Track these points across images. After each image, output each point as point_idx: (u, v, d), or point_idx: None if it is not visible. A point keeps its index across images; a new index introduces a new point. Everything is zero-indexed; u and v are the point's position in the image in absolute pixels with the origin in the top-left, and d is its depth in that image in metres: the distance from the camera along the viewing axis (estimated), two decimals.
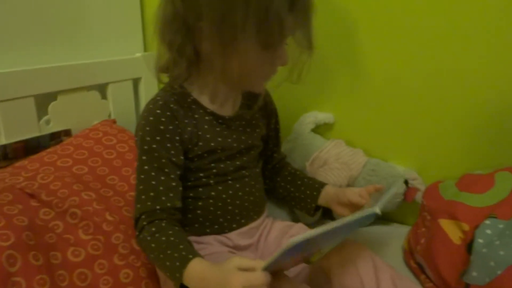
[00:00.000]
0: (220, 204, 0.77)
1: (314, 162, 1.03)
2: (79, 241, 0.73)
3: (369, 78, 1.03)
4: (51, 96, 0.99)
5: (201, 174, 0.76)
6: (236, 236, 0.79)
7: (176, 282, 0.62)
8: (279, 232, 0.82)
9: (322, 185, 0.86)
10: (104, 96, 1.12)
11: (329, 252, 0.72)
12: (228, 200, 0.77)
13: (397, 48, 0.98)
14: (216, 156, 0.76)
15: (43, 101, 0.98)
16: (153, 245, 0.66)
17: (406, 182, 1.00)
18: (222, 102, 0.77)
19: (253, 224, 0.81)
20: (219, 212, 0.77)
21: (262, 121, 0.85)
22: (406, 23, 0.95)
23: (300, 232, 0.81)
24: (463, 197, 0.81)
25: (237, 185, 0.78)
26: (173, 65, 0.70)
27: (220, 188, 0.77)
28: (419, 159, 1.04)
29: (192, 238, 0.76)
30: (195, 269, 0.61)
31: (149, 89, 1.21)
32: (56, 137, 1.01)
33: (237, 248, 0.79)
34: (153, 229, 0.67)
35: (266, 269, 0.56)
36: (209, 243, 0.76)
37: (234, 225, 0.79)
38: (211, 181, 0.76)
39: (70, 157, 0.90)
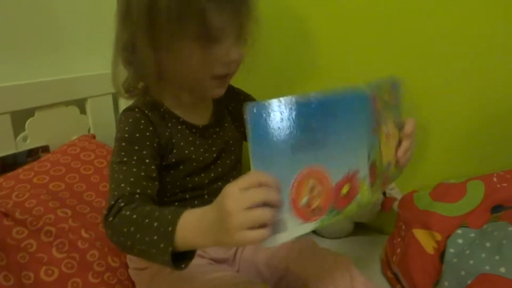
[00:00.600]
0: None
1: None
2: (53, 259, 0.73)
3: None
4: (29, 112, 0.99)
5: (177, 190, 0.75)
6: (211, 249, 0.78)
7: (166, 242, 0.52)
8: (254, 246, 0.82)
9: None
10: (83, 111, 1.12)
11: (307, 262, 0.72)
12: None
13: (379, 61, 0.99)
14: (190, 168, 0.75)
15: (20, 117, 0.97)
16: (134, 216, 0.56)
17: (383, 192, 1.01)
18: (192, 110, 0.76)
19: None
20: None
21: (234, 124, 0.84)
22: (391, 34, 0.96)
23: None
24: (436, 206, 0.82)
25: (212, 199, 0.77)
26: (132, 81, 0.73)
27: (196, 202, 0.76)
28: None
29: None
30: (192, 212, 0.53)
31: (129, 103, 1.20)
32: (33, 154, 1.00)
33: (214, 260, 0.79)
34: (134, 205, 0.58)
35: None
36: None
37: None
38: (187, 196, 0.76)
39: (47, 174, 0.90)
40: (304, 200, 0.49)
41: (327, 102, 0.50)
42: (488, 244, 0.70)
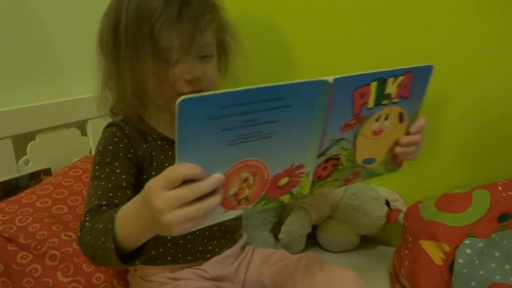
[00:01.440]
0: (188, 236, 0.74)
1: None
2: (58, 284, 0.72)
3: None
4: (30, 136, 0.99)
5: None
6: (211, 267, 0.77)
7: (109, 239, 0.52)
8: (260, 261, 0.81)
9: None
10: (84, 133, 1.12)
11: (314, 278, 0.71)
12: (197, 232, 0.75)
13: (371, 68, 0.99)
14: None
15: (22, 141, 0.97)
16: (90, 225, 0.58)
17: (388, 204, 1.01)
18: (171, 126, 0.74)
19: (227, 252, 0.80)
20: (189, 245, 0.75)
21: None
22: (381, 44, 0.97)
23: (283, 258, 0.80)
24: (442, 217, 0.82)
25: None
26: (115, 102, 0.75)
27: None
28: (401, 181, 1.05)
29: (168, 275, 0.75)
30: (125, 212, 0.53)
31: None
32: (36, 177, 1.00)
33: (217, 279, 0.78)
34: (97, 217, 0.59)
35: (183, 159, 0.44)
36: (187, 278, 0.75)
37: (207, 255, 0.77)
38: None
39: (49, 197, 0.89)
40: (231, 191, 0.49)
41: (275, 94, 0.45)
42: (497, 254, 0.69)
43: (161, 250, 0.75)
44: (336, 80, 0.48)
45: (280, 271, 0.77)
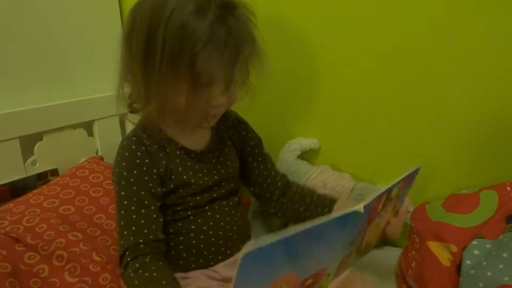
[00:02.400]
0: (202, 237, 0.76)
1: None
2: (65, 284, 0.72)
3: (353, 101, 1.04)
4: (37, 136, 1.00)
5: (178, 208, 0.76)
6: (222, 268, 0.78)
7: None
8: None
9: (333, 200, 0.85)
10: (90, 133, 1.13)
11: None
12: (210, 232, 0.77)
13: (381, 71, 0.99)
14: (190, 190, 0.76)
15: (29, 142, 0.98)
16: (136, 282, 0.66)
17: None
18: (189, 136, 0.77)
19: (239, 254, 0.80)
20: (202, 246, 0.76)
21: (234, 150, 0.85)
22: (389, 46, 0.97)
23: None
24: (449, 218, 0.81)
25: (217, 216, 0.78)
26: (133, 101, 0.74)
27: (199, 220, 0.77)
28: None
29: (178, 275, 0.75)
30: None
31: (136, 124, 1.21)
32: (43, 177, 1.01)
33: (226, 281, 0.78)
34: (137, 265, 0.67)
35: None
36: (196, 277, 0.76)
37: (219, 257, 0.78)
38: (189, 214, 0.76)
39: (56, 198, 0.90)
40: None
41: (315, 230, 0.51)
42: (505, 255, 0.68)
43: (173, 253, 0.76)
44: (364, 207, 0.55)
45: None
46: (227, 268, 0.78)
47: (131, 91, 0.74)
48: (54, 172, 1.02)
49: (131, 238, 0.69)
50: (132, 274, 0.66)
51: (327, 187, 1.01)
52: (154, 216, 0.71)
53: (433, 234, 0.81)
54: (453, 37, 0.90)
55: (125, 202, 0.71)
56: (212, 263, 0.78)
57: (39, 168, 1.00)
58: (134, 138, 0.74)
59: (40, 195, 0.90)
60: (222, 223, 0.78)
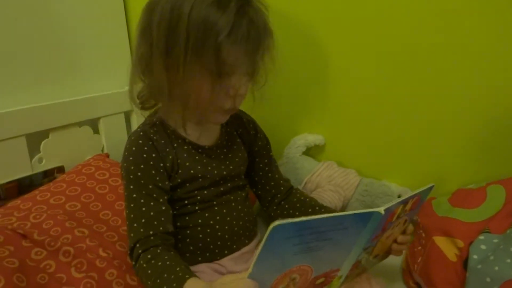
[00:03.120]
0: (208, 231, 0.77)
1: (307, 186, 1.03)
2: (72, 279, 0.72)
3: (358, 97, 1.04)
4: (43, 134, 1.00)
5: (186, 202, 0.76)
6: (228, 262, 0.78)
7: None
8: None
9: (335, 212, 0.86)
10: (96, 131, 1.13)
11: None
12: (217, 226, 0.77)
13: (385, 67, 0.99)
14: (198, 184, 0.76)
15: (35, 140, 0.99)
16: (149, 271, 0.66)
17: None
18: (198, 131, 0.78)
19: (245, 249, 0.81)
20: (208, 239, 0.77)
21: (243, 148, 0.85)
22: (395, 42, 0.96)
23: None
24: (456, 213, 0.81)
25: (224, 211, 0.78)
26: (145, 98, 0.75)
27: (206, 215, 0.77)
28: (413, 176, 1.04)
29: None
30: (194, 285, 0.62)
31: (141, 121, 1.21)
32: (49, 174, 1.01)
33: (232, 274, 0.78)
34: (149, 256, 0.68)
35: (253, 275, 0.53)
36: (203, 271, 0.76)
37: (225, 251, 0.78)
38: (197, 208, 0.77)
39: (63, 194, 0.90)
40: (280, 287, 0.58)
41: (339, 220, 0.55)
42: None
43: (180, 246, 0.76)
44: (385, 210, 0.57)
45: None
46: (233, 262, 0.79)
47: (147, 86, 0.74)
48: (60, 169, 1.03)
49: (141, 230, 0.70)
50: (144, 265, 0.67)
51: (332, 183, 1.01)
52: (163, 208, 0.72)
53: (440, 229, 0.80)
54: (460, 34, 0.89)
55: (134, 196, 0.71)
56: (218, 257, 0.78)
57: (45, 166, 1.00)
58: (141, 133, 0.75)
59: (47, 192, 0.90)
60: (228, 218, 0.78)
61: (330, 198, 0.98)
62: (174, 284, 0.63)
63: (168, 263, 0.66)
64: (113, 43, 1.20)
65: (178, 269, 0.65)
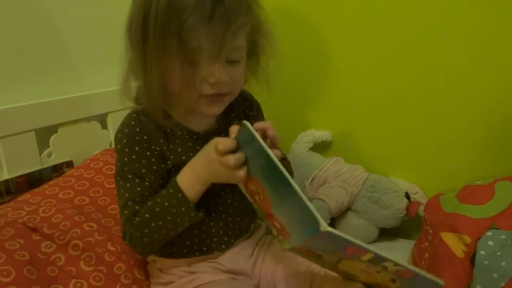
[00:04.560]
0: (203, 228, 0.74)
1: (314, 181, 1.03)
2: (81, 273, 0.73)
3: (366, 93, 1.04)
4: (52, 129, 1.01)
5: None
6: (227, 260, 0.77)
7: (186, 205, 0.65)
8: (273, 258, 0.80)
9: None
10: (104, 126, 1.14)
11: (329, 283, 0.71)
12: (211, 223, 0.75)
13: (394, 62, 0.99)
14: None
15: (44, 134, 0.99)
16: (146, 215, 0.67)
17: (407, 196, 0.99)
18: (193, 117, 0.74)
19: (244, 244, 0.80)
20: (204, 236, 0.75)
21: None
22: (402, 37, 0.96)
23: (297, 263, 0.79)
24: (463, 209, 0.81)
25: (220, 208, 0.76)
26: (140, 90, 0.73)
27: (200, 214, 0.73)
28: (421, 173, 1.04)
29: (185, 268, 0.75)
30: (183, 173, 0.66)
31: None
32: (58, 169, 1.02)
33: (232, 272, 0.77)
34: (139, 212, 0.68)
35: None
36: (204, 271, 0.75)
37: (223, 246, 0.77)
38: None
39: (71, 189, 0.91)
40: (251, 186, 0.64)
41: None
42: None
43: (176, 242, 0.74)
44: (324, 231, 0.51)
45: (294, 271, 0.76)
46: (231, 260, 0.77)
47: (137, 81, 0.72)
48: (69, 164, 1.04)
49: (137, 207, 0.68)
50: (137, 219, 0.67)
51: (339, 179, 1.01)
52: (155, 187, 0.70)
53: (447, 225, 0.80)
54: (469, 32, 0.89)
55: (129, 176, 0.70)
56: (215, 252, 0.76)
57: (54, 160, 1.01)
58: (133, 115, 0.73)
59: (56, 186, 0.91)
60: (224, 215, 0.76)
61: (337, 193, 0.98)
62: (171, 190, 0.65)
63: (152, 198, 0.68)
64: (120, 39, 1.20)
65: (162, 190, 0.67)
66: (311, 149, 1.09)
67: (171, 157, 0.72)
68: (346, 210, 1.03)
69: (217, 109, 0.71)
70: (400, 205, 0.98)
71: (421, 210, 0.97)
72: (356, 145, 1.09)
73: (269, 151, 0.55)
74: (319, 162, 1.05)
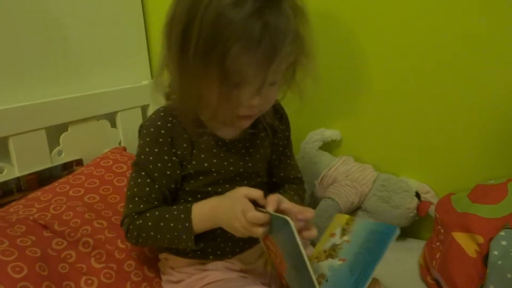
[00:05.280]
0: (219, 231, 0.71)
1: (323, 180, 1.03)
2: (92, 269, 0.73)
3: (376, 92, 1.03)
4: (62, 127, 1.02)
5: (199, 196, 0.73)
6: (239, 261, 0.77)
7: (188, 235, 0.66)
8: None
9: None
10: (113, 125, 1.14)
11: None
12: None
13: (404, 62, 0.98)
14: (212, 178, 0.73)
15: (55, 133, 1.00)
16: (149, 223, 0.68)
17: (418, 196, 0.99)
18: (222, 124, 0.74)
19: (257, 246, 0.79)
20: (219, 240, 0.74)
21: (267, 141, 0.80)
22: (412, 36, 0.96)
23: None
24: (476, 208, 0.80)
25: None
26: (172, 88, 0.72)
27: None
28: (431, 172, 1.03)
29: (197, 267, 0.75)
30: (202, 207, 0.67)
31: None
32: (68, 167, 1.03)
33: (244, 271, 0.77)
34: (142, 214, 0.70)
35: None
36: (215, 269, 0.75)
37: (237, 249, 0.76)
38: None
39: (81, 187, 0.91)
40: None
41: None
42: None
43: (190, 244, 0.73)
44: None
45: None
46: (244, 260, 0.77)
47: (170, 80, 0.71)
48: (79, 162, 1.04)
49: (141, 206, 0.70)
50: (140, 221, 0.69)
51: (349, 178, 1.01)
52: (166, 193, 0.72)
53: (459, 225, 0.79)
54: (478, 32, 0.88)
55: (143, 173, 0.71)
56: (229, 256, 0.76)
57: (64, 158, 1.02)
58: (162, 113, 0.72)
59: (66, 184, 0.91)
60: None
61: (347, 193, 0.97)
62: (182, 215, 0.66)
63: (163, 208, 0.69)
64: (130, 38, 1.21)
65: (175, 207, 0.68)
66: (321, 148, 1.08)
67: (193, 162, 0.72)
68: (356, 209, 1.02)
69: (249, 123, 0.72)
70: (410, 205, 0.97)
71: (431, 209, 0.96)
72: (366, 144, 1.08)
73: (304, 254, 0.56)
74: (329, 161, 1.05)
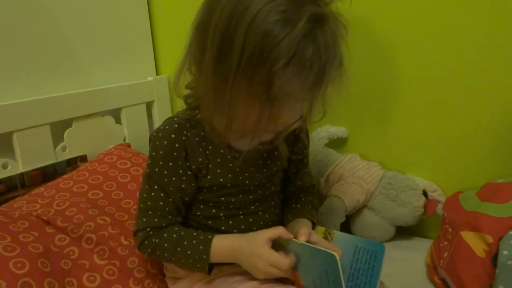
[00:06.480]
0: (234, 231, 0.72)
1: (329, 178, 1.02)
2: (95, 266, 0.73)
3: (382, 89, 1.02)
4: (67, 123, 1.01)
5: (211, 204, 0.73)
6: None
7: (203, 265, 0.66)
8: None
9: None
10: (118, 121, 1.14)
11: None
12: (242, 226, 0.73)
13: (409, 60, 0.97)
14: (227, 191, 0.72)
15: (59, 129, 1.00)
16: (166, 244, 0.68)
17: (425, 194, 0.97)
18: (241, 135, 0.69)
19: None
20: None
21: (285, 149, 0.77)
22: (421, 32, 0.94)
23: None
24: (485, 207, 0.78)
25: (250, 220, 0.74)
26: (191, 93, 0.69)
27: (230, 222, 0.73)
28: (439, 170, 1.01)
29: None
30: (221, 243, 0.67)
31: (162, 111, 1.22)
32: (72, 163, 1.02)
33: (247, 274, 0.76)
34: (159, 232, 0.70)
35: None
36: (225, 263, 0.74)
37: None
38: (221, 214, 0.73)
39: (85, 183, 0.91)
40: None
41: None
42: None
43: (203, 271, 0.71)
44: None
45: None
46: None
47: (195, 83, 0.67)
48: (83, 158, 1.04)
49: (156, 220, 0.70)
50: (157, 240, 0.69)
51: (355, 176, 0.99)
52: (180, 206, 0.71)
53: (467, 224, 0.78)
54: (484, 33, 0.87)
55: (156, 187, 0.69)
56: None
57: (68, 154, 1.01)
58: (176, 126, 0.69)
59: (70, 180, 0.91)
60: (254, 228, 0.73)
61: (353, 190, 0.96)
62: (201, 247, 0.66)
63: (182, 233, 0.69)
64: (135, 34, 1.20)
65: (195, 234, 0.68)
66: (327, 145, 1.07)
67: (208, 177, 0.70)
68: (362, 207, 1.01)
69: (271, 137, 0.68)
70: (417, 203, 0.96)
71: (439, 208, 0.95)
72: (372, 142, 1.07)
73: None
74: (335, 158, 1.04)
